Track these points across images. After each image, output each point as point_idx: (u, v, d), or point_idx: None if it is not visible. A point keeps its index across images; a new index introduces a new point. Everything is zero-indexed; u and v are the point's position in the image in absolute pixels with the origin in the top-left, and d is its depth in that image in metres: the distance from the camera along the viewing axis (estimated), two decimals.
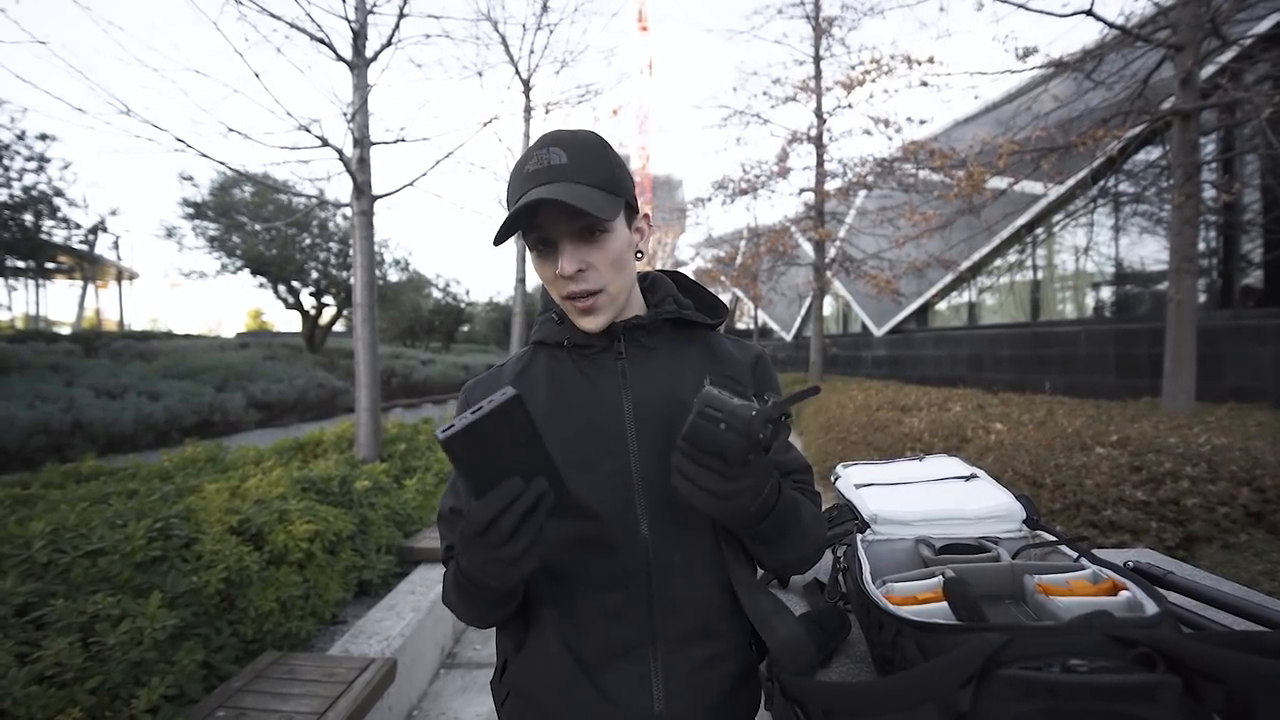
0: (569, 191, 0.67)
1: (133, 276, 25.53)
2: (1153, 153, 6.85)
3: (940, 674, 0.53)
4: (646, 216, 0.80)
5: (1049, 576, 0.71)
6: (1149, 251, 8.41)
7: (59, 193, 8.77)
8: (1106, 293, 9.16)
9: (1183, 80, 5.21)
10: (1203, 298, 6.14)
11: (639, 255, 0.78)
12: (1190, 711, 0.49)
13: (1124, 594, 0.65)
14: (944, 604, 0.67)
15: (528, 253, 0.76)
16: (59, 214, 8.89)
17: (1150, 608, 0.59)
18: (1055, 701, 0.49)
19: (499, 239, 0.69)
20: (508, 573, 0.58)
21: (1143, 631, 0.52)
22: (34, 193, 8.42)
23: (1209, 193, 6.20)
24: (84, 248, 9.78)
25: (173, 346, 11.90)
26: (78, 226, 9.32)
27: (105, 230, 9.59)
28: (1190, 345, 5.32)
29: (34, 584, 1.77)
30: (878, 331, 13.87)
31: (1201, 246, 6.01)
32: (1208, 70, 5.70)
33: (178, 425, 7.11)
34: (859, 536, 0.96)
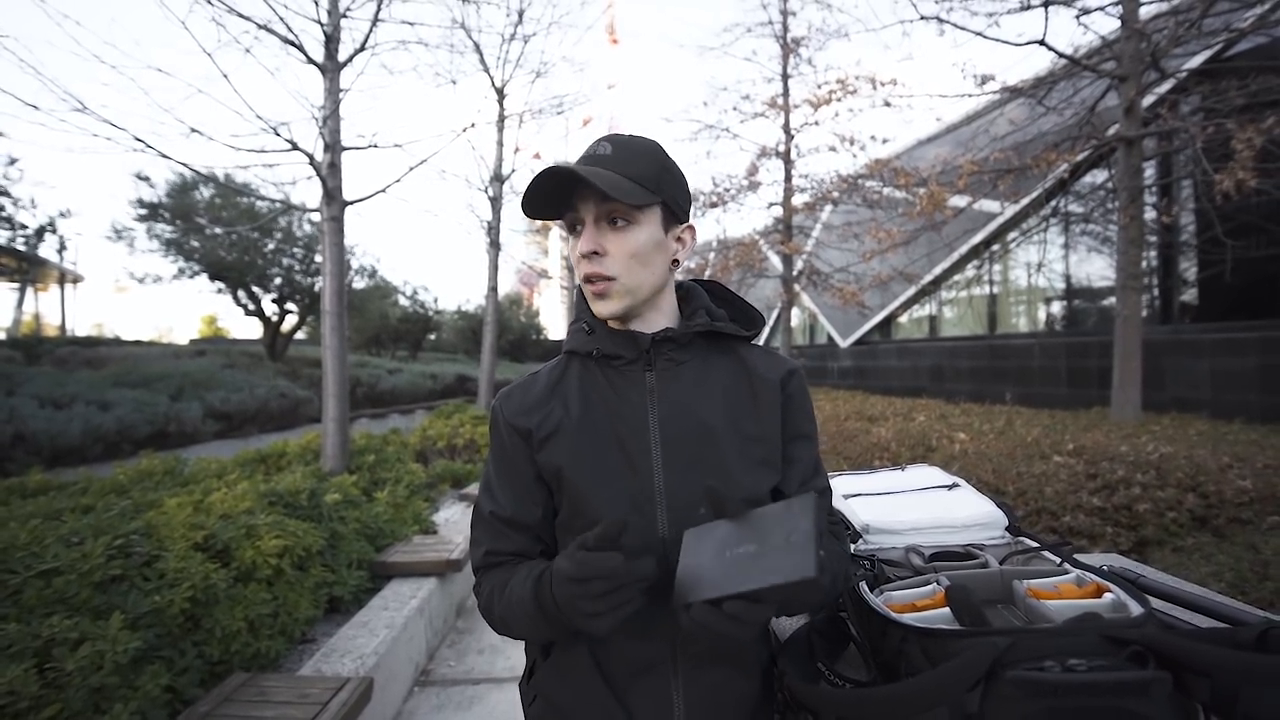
0: (594, 174, 0.68)
1: (77, 280, 24.20)
2: (1099, 176, 7.25)
3: (950, 678, 0.56)
4: (691, 229, 0.80)
5: (1037, 581, 0.75)
6: (1095, 269, 8.88)
7: (3, 191, 8.29)
8: (1057, 307, 9.61)
9: (1126, 109, 5.56)
10: (1144, 313, 6.51)
11: (675, 264, 0.78)
12: (1178, 704, 0.53)
13: (1108, 596, 0.69)
14: (944, 610, 0.70)
15: (565, 243, 0.78)
16: (2, 213, 8.40)
17: (1135, 609, 0.63)
18: (1059, 700, 0.53)
19: (530, 211, 0.73)
20: (590, 623, 0.60)
21: (1134, 631, 0.56)
22: None
23: (1150, 214, 6.59)
24: (27, 249, 9.21)
25: (123, 353, 11.29)
26: (23, 227, 8.80)
27: (54, 232, 9.04)
28: (1136, 358, 5.63)
29: None
30: (843, 343, 14.21)
31: (1143, 265, 6.37)
32: (1148, 100, 6.09)
33: (130, 437, 6.77)
34: (851, 546, 1.00)
